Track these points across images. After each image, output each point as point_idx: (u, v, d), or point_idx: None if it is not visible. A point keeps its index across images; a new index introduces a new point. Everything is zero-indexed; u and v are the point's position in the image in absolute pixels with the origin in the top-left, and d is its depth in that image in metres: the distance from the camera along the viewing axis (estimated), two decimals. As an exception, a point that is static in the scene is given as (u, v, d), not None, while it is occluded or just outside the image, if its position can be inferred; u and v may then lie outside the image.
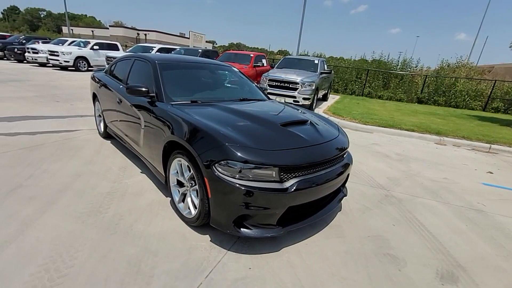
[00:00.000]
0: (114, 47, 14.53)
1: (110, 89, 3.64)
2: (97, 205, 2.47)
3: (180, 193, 2.38)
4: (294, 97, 7.55)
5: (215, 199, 1.95)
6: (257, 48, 63.74)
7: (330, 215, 2.61)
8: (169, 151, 2.40)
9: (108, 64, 8.46)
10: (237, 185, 1.83)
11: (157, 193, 2.79)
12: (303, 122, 2.53)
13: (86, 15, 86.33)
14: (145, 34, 49.98)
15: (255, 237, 1.97)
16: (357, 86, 14.91)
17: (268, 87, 7.72)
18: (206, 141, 2.01)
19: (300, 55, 16.84)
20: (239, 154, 1.86)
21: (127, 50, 15.12)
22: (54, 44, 14.62)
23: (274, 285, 1.78)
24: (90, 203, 2.49)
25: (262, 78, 8.22)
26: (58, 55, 12.77)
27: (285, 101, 6.72)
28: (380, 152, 4.93)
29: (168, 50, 13.08)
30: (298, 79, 7.58)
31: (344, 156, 2.55)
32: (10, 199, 2.44)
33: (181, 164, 2.28)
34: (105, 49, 13.98)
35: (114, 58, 10.02)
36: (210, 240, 2.15)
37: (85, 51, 13.49)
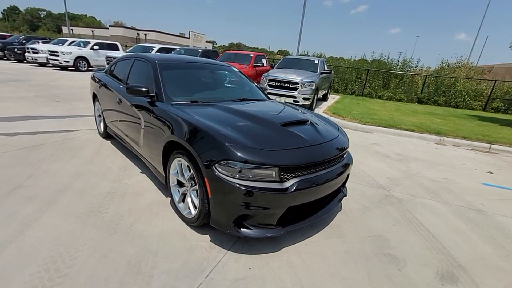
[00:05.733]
0: (114, 47, 14.52)
1: (110, 89, 3.64)
2: (97, 205, 2.47)
3: (180, 193, 2.38)
4: (294, 97, 7.55)
5: (215, 199, 1.95)
6: (257, 48, 63.77)
7: (330, 215, 2.61)
8: (169, 151, 2.40)
9: (108, 64, 8.46)
10: (237, 185, 1.83)
11: (157, 193, 2.79)
12: (303, 122, 2.53)
13: (86, 15, 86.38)
14: (145, 34, 49.98)
15: (255, 237, 1.97)
16: (357, 86, 14.90)
17: (268, 87, 7.72)
18: (206, 141, 2.01)
19: (300, 55, 16.84)
20: (239, 154, 1.86)
21: (127, 50, 15.11)
22: (54, 44, 14.61)
23: (274, 285, 1.78)
24: (90, 203, 2.49)
25: (262, 78, 8.22)
26: (58, 55, 12.77)
27: (285, 101, 6.73)
28: (380, 152, 4.93)
29: (168, 50, 13.07)
30: (298, 79, 7.58)
31: (344, 156, 2.55)
32: (10, 199, 2.44)
33: (181, 164, 2.28)
34: (105, 49, 13.97)
35: (114, 58, 10.01)
36: (210, 240, 2.15)
37: (85, 51, 13.49)
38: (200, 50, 11.98)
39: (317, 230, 2.40)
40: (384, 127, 6.62)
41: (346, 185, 2.77)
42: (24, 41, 16.11)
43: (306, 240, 2.27)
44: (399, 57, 21.33)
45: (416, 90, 14.17)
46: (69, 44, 14.26)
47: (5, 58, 15.88)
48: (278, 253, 2.08)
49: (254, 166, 1.86)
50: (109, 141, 4.17)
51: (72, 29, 38.39)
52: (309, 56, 15.79)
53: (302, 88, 7.55)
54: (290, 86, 7.63)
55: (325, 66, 10.39)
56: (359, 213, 2.78)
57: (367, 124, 6.77)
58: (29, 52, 13.79)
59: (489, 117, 10.45)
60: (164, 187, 2.83)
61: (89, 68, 13.53)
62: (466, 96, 13.06)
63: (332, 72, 11.99)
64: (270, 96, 4.25)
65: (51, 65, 13.36)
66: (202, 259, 1.94)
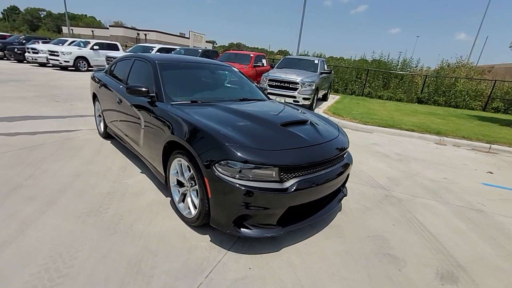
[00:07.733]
0: (114, 47, 14.52)
1: (110, 89, 3.64)
2: (97, 205, 2.47)
3: (180, 193, 2.38)
4: (294, 97, 7.55)
5: (215, 199, 1.95)
6: (257, 48, 63.77)
7: (330, 215, 2.61)
8: (169, 151, 2.40)
9: (108, 64, 8.46)
10: (237, 185, 1.83)
11: (157, 193, 2.79)
12: (303, 122, 2.53)
13: (86, 15, 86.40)
14: (145, 34, 49.98)
15: (255, 237, 1.97)
16: (357, 86, 14.91)
17: (268, 87, 7.72)
18: (206, 141, 2.01)
19: (300, 55, 16.84)
20: (239, 154, 1.86)
21: (127, 50, 15.11)
22: (54, 44, 14.61)
23: (274, 285, 1.78)
24: (90, 203, 2.49)
25: (262, 78, 8.22)
26: (58, 55, 12.77)
27: (285, 101, 6.72)
28: (380, 152, 4.93)
29: (168, 50, 13.07)
30: (298, 79, 7.58)
31: (344, 156, 2.55)
32: (10, 199, 2.44)
33: (181, 164, 2.28)
34: (105, 49, 13.97)
35: (114, 58, 10.02)
36: (210, 240, 2.15)
37: (85, 51, 13.49)
38: (200, 50, 11.98)
39: (317, 230, 2.40)
40: (384, 127, 6.63)
41: (346, 185, 2.77)
42: (24, 41, 16.11)
43: (306, 240, 2.27)
44: (399, 57, 21.42)
45: (416, 90, 14.17)
46: (69, 44, 14.26)
47: (5, 58, 15.88)
48: (278, 253, 2.08)
49: (254, 166, 1.86)
50: (109, 141, 4.17)
51: (72, 29, 38.40)
52: (309, 56, 15.79)
53: (302, 88, 7.55)
54: (290, 86, 7.63)
55: (325, 66, 10.39)
56: (359, 213, 2.78)
57: (367, 124, 6.77)
58: (29, 52, 13.79)
59: (489, 117, 10.45)
60: (164, 187, 2.83)
61: (89, 68, 13.53)
62: (466, 96, 13.06)
63: (332, 72, 11.99)
64: (270, 96, 4.26)
65: (51, 65, 13.36)
66: (202, 259, 1.94)
